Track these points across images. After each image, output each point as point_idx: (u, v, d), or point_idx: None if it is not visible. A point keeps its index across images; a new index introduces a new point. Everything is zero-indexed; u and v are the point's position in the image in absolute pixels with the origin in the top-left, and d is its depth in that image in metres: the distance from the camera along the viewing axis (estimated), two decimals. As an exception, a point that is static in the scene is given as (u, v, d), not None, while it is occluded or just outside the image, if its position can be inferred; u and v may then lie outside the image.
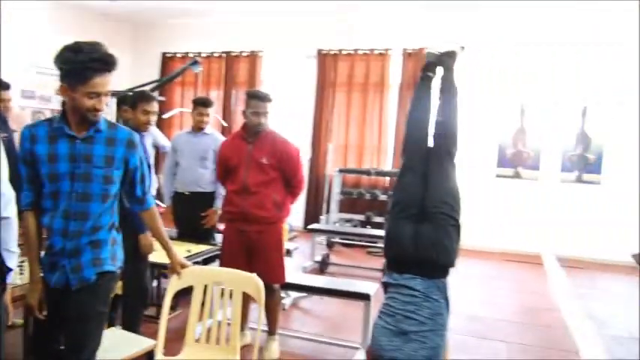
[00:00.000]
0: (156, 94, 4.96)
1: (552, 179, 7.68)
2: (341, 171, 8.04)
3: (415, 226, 2.71)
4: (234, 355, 2.69)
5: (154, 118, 3.80)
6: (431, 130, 2.99)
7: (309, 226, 6.71)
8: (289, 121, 8.21)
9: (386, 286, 2.73)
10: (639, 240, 6.45)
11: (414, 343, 2.42)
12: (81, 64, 2.12)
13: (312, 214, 8.48)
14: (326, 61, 8.59)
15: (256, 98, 3.63)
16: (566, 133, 7.60)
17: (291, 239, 6.36)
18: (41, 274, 2.31)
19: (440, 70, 3.13)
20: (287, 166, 3.65)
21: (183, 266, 2.71)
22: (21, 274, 2.66)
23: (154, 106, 3.75)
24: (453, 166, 2.90)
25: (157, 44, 9.60)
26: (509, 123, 7.82)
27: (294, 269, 5.11)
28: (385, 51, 8.23)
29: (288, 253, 4.64)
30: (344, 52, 8.48)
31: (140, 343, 2.68)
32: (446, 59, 3.11)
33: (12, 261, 1.82)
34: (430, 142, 2.96)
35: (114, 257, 2.38)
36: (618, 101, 7.23)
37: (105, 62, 2.17)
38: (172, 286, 2.70)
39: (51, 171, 2.24)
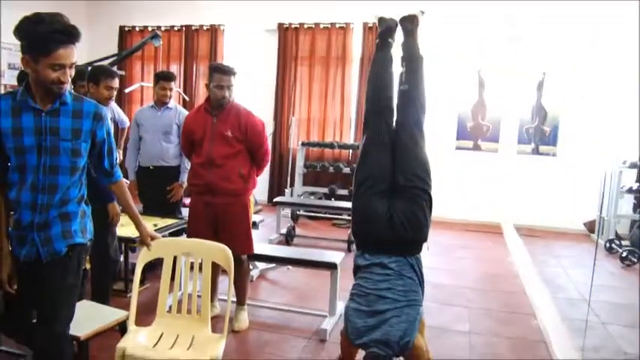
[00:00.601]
0: (115, 68, 4.88)
1: (510, 151, 7.89)
2: (304, 144, 8.07)
3: (388, 203, 2.62)
4: (205, 324, 2.74)
5: (114, 94, 3.80)
6: (395, 101, 2.85)
7: (275, 199, 6.75)
8: (252, 95, 8.18)
9: (357, 268, 2.66)
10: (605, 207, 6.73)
11: (390, 320, 2.40)
12: (43, 35, 2.09)
13: (277, 187, 8.53)
14: (287, 34, 8.54)
15: (219, 71, 3.62)
16: (523, 105, 7.79)
17: (256, 212, 6.41)
18: (9, 249, 2.31)
19: (401, 37, 2.98)
20: (252, 139, 3.67)
21: (152, 238, 2.73)
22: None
23: (116, 82, 3.77)
24: (423, 136, 2.78)
25: (115, 17, 9.37)
26: (468, 96, 7.96)
27: (261, 241, 5.16)
28: (346, 25, 8.23)
29: (255, 225, 4.67)
30: (305, 26, 8.45)
31: (112, 314, 2.70)
32: (407, 24, 2.95)
33: None
34: (395, 114, 2.84)
35: (84, 230, 2.38)
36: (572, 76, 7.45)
37: (68, 34, 2.14)
38: (142, 257, 2.72)
39: (17, 144, 2.22)
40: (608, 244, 6.48)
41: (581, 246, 6.98)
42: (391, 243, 2.58)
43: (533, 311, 4.50)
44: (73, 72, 2.24)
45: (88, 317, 2.55)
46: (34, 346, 2.43)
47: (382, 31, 3.00)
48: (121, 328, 2.64)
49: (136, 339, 2.56)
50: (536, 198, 7.70)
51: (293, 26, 8.50)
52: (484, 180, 7.94)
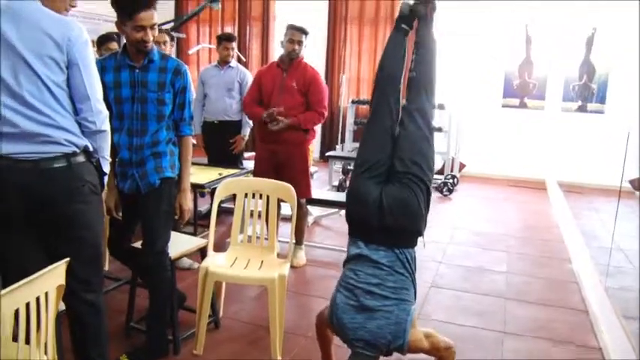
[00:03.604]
0: (176, 31, 5.28)
1: (557, 109, 8.02)
2: (354, 102, 8.39)
3: (380, 187, 2.46)
4: (272, 251, 3.19)
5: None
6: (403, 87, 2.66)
7: (327, 154, 7.14)
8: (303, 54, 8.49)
9: (349, 257, 2.49)
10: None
11: (378, 320, 2.29)
12: (127, 3, 2.54)
13: (328, 144, 8.94)
14: (338, -5, 8.82)
15: (293, 28, 4.12)
16: (571, 62, 7.86)
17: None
18: (116, 183, 2.80)
19: (416, 22, 2.74)
20: (313, 93, 4.10)
21: (182, 206, 2.89)
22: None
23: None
24: (429, 127, 2.58)
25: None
26: (515, 53, 8.10)
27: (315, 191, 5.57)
28: (394, -15, 8.44)
29: (310, 175, 5.08)
30: (355, -13, 8.70)
31: (194, 242, 3.18)
32: (420, 8, 2.71)
33: (106, 167, 2.29)
34: (401, 100, 2.66)
35: (173, 166, 2.83)
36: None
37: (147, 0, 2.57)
38: (219, 193, 3.18)
39: (116, 95, 2.70)
40: (651, 200, 6.62)
41: (625, 202, 7.12)
42: (383, 231, 2.40)
43: (568, 257, 4.81)
44: (156, 32, 2.69)
45: (175, 244, 3.00)
46: (140, 264, 2.90)
47: (399, 16, 2.78)
48: (202, 254, 3.10)
49: (216, 261, 3.03)
50: (581, 155, 7.81)
51: (343, -13, 8.75)
52: (530, 137, 8.12)
